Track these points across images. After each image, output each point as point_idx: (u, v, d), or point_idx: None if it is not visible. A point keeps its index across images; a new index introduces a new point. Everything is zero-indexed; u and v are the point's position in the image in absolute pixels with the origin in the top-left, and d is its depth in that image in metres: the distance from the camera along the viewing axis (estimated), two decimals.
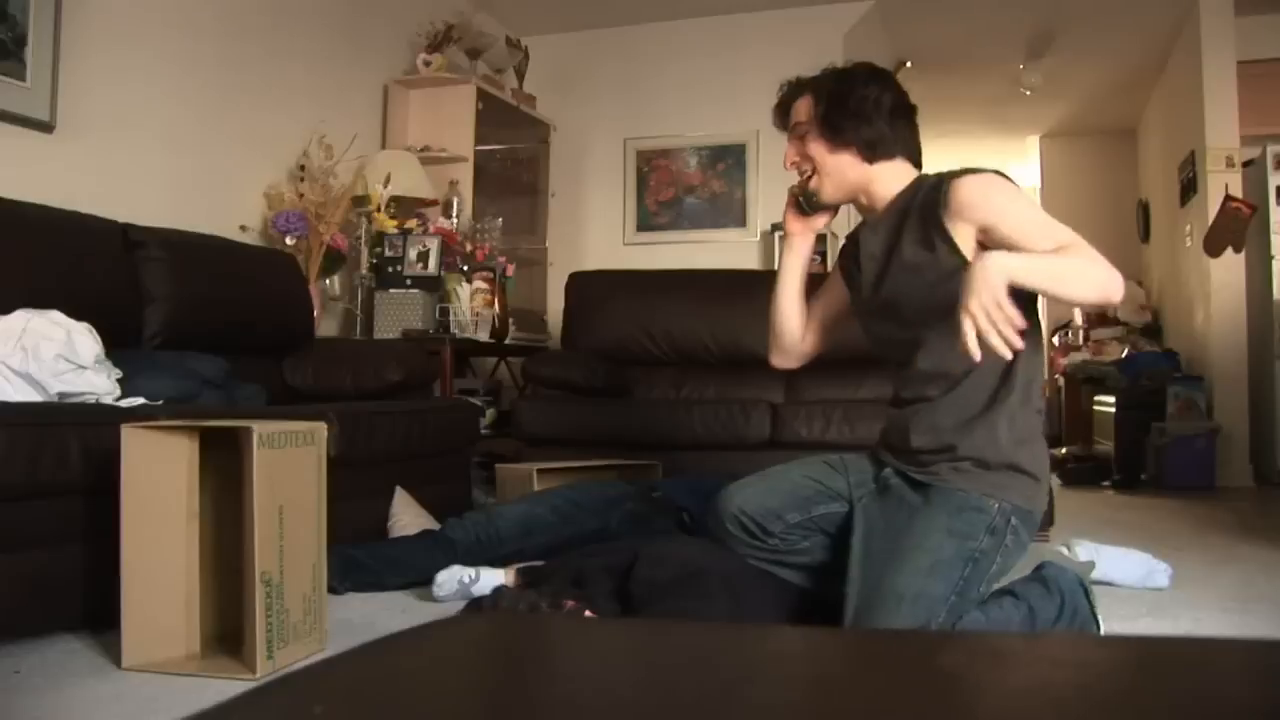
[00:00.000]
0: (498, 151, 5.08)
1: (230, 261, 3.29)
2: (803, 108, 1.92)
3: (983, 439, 1.79)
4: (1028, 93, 6.42)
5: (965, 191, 1.74)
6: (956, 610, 1.70)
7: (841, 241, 2.19)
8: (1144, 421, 5.24)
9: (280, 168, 3.96)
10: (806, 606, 1.98)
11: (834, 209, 2.00)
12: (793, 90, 1.96)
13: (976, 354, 1.50)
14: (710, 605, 1.87)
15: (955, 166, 1.84)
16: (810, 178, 1.94)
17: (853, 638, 0.70)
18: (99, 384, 2.30)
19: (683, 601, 1.88)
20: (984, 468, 1.78)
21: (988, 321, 1.49)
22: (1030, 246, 1.63)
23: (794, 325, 2.10)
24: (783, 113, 1.97)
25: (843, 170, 1.89)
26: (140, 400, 2.37)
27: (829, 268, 5.21)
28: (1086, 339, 7.06)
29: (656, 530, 2.65)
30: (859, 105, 1.85)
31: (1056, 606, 1.83)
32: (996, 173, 1.79)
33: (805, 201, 1.98)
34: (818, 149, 1.89)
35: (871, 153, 1.87)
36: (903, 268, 1.83)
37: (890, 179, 1.89)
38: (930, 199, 1.79)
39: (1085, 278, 1.59)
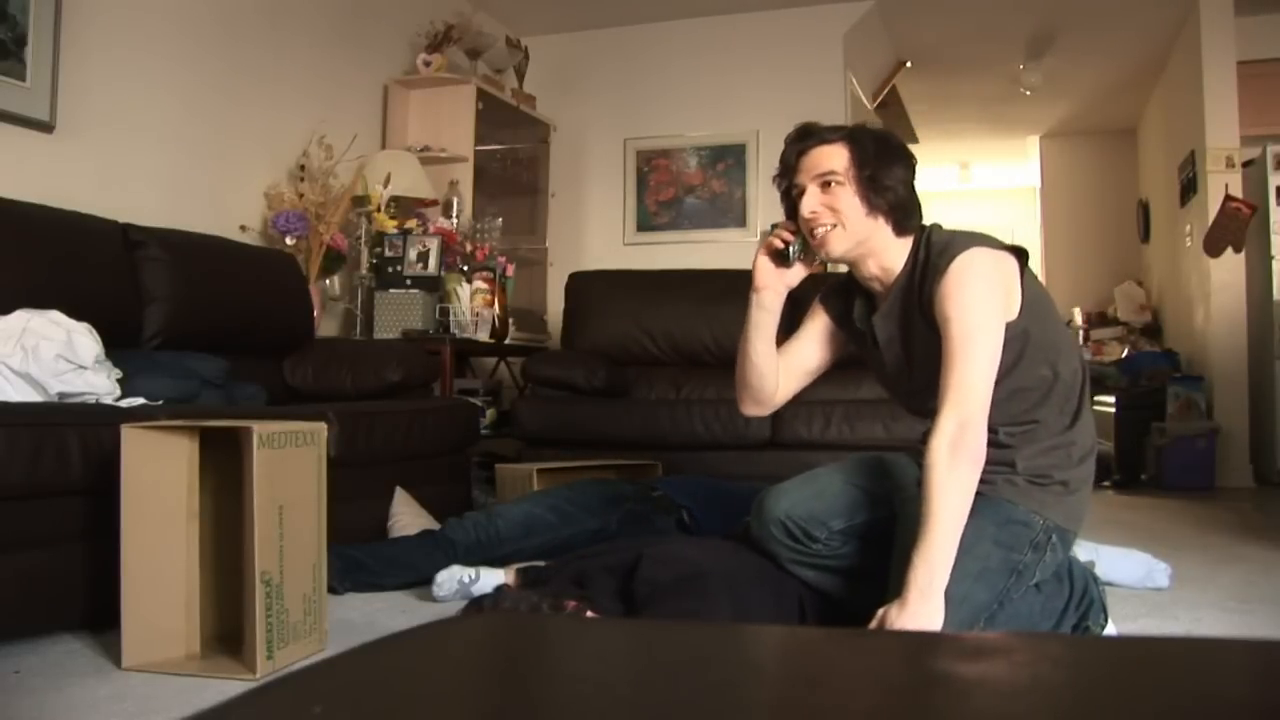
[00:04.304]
0: (498, 151, 5.08)
1: (230, 261, 3.29)
2: (837, 157, 1.81)
3: (1041, 457, 1.79)
4: (1028, 93, 6.42)
5: (942, 294, 1.73)
6: (996, 619, 1.71)
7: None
8: (1144, 421, 5.24)
9: (280, 168, 3.96)
10: (806, 608, 1.98)
11: (812, 264, 1.91)
12: (824, 133, 1.85)
13: None
14: (712, 606, 1.87)
15: (951, 223, 1.85)
16: (799, 231, 1.85)
17: (851, 638, 0.70)
18: (99, 384, 2.30)
19: (684, 602, 1.88)
20: (1036, 485, 1.79)
21: None
22: (945, 361, 1.67)
23: (771, 380, 2.03)
24: (803, 150, 1.84)
25: (870, 234, 1.81)
26: (140, 400, 2.37)
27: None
28: (1086, 339, 7.05)
29: (656, 530, 2.66)
30: (901, 175, 1.81)
31: (1066, 594, 1.86)
32: (986, 241, 1.77)
33: (798, 250, 1.86)
34: (851, 205, 1.79)
35: (901, 226, 1.82)
36: (924, 353, 1.81)
37: (900, 252, 1.84)
38: (929, 289, 1.76)
39: (962, 508, 1.63)
